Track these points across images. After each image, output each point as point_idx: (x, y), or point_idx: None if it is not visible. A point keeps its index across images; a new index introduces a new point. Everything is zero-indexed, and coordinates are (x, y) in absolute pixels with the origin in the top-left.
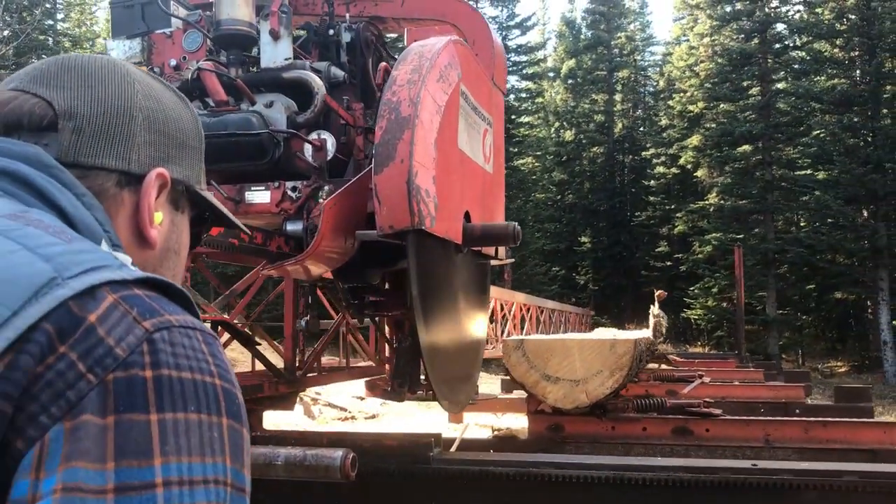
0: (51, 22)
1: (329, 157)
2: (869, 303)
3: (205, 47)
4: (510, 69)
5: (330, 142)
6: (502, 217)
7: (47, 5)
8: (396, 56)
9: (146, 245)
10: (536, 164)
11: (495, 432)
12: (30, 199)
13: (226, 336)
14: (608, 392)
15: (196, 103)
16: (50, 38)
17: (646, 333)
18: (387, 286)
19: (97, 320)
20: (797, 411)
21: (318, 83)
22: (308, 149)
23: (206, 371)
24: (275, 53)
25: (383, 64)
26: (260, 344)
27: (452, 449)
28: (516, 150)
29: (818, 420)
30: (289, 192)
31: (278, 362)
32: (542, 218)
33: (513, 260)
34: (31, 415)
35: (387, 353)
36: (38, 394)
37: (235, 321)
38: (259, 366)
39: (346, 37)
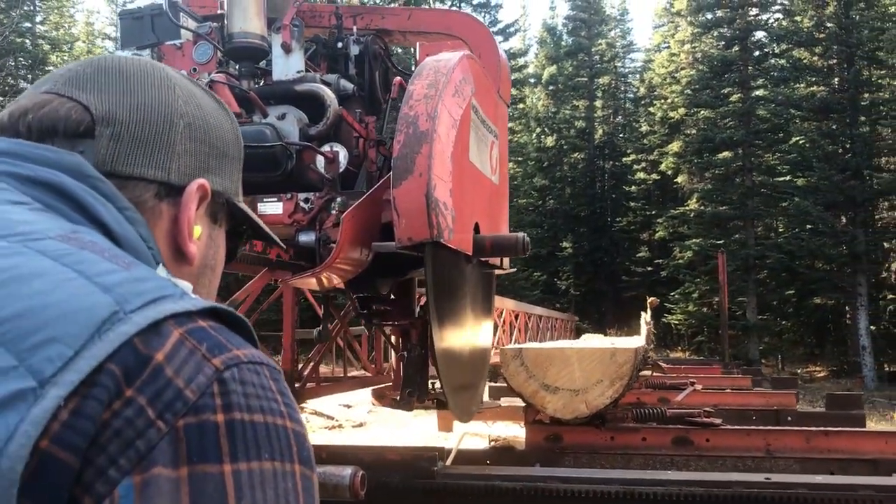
0: (29, 24)
1: (341, 170)
2: (847, 308)
3: (215, 59)
4: None
5: (342, 154)
6: (506, 226)
7: (26, 7)
8: (402, 68)
9: (184, 261)
10: (518, 169)
11: (492, 442)
12: (72, 215)
13: None
14: (608, 402)
15: None
16: (28, 41)
17: (641, 341)
18: (393, 296)
19: (165, 359)
20: (789, 419)
21: (330, 96)
22: (320, 161)
23: (277, 412)
24: (287, 66)
25: (398, 79)
26: None
27: (448, 461)
28: None
29: (820, 430)
30: (301, 204)
31: None
32: (524, 223)
33: (515, 269)
34: (99, 468)
35: (385, 363)
36: (106, 444)
37: None
38: None
39: (354, 49)
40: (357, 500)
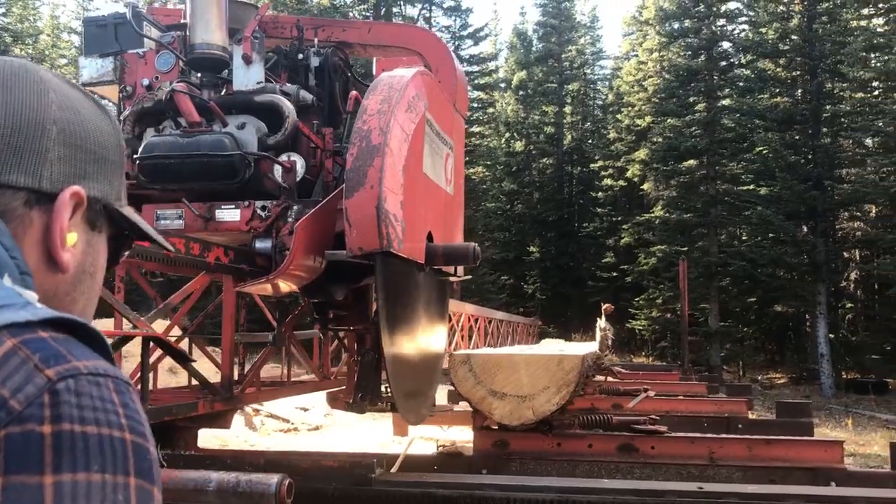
0: None
1: (298, 179)
2: (807, 316)
3: (177, 68)
4: None
5: (299, 164)
6: (461, 235)
7: None
8: (362, 80)
9: (57, 269)
10: (487, 173)
11: (440, 448)
12: None
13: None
14: (554, 408)
15: (169, 123)
16: None
17: (593, 347)
18: (349, 302)
19: None
20: (740, 426)
21: (288, 107)
22: (278, 170)
23: (116, 424)
24: (247, 77)
25: (354, 92)
26: (195, 360)
27: (395, 468)
28: (467, 158)
29: (761, 438)
30: (258, 212)
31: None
32: (492, 227)
33: (470, 276)
34: None
35: (334, 368)
36: None
37: (176, 334)
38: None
39: (314, 61)
40: None
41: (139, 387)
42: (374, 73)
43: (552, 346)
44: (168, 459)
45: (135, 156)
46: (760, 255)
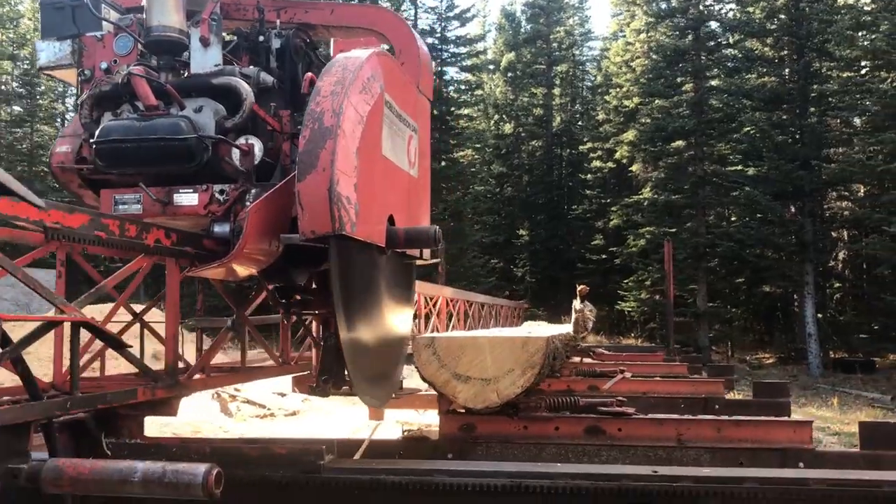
0: None
1: (256, 162)
2: (795, 296)
3: (136, 51)
4: (449, 60)
5: (257, 147)
6: (427, 218)
7: None
8: (326, 60)
9: None
10: (476, 156)
11: (405, 433)
12: None
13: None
14: (519, 391)
15: (126, 107)
16: None
17: (566, 329)
18: (314, 286)
19: None
20: (716, 407)
21: (246, 89)
22: (235, 153)
23: None
24: (204, 60)
25: (309, 74)
26: (131, 346)
27: (358, 454)
28: (455, 142)
29: (731, 419)
30: (216, 195)
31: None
32: (481, 210)
33: (438, 260)
34: None
35: (294, 353)
36: None
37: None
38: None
39: (275, 43)
40: (212, 499)
41: (69, 375)
42: (331, 54)
43: (520, 329)
44: (112, 448)
45: (91, 140)
46: (748, 235)
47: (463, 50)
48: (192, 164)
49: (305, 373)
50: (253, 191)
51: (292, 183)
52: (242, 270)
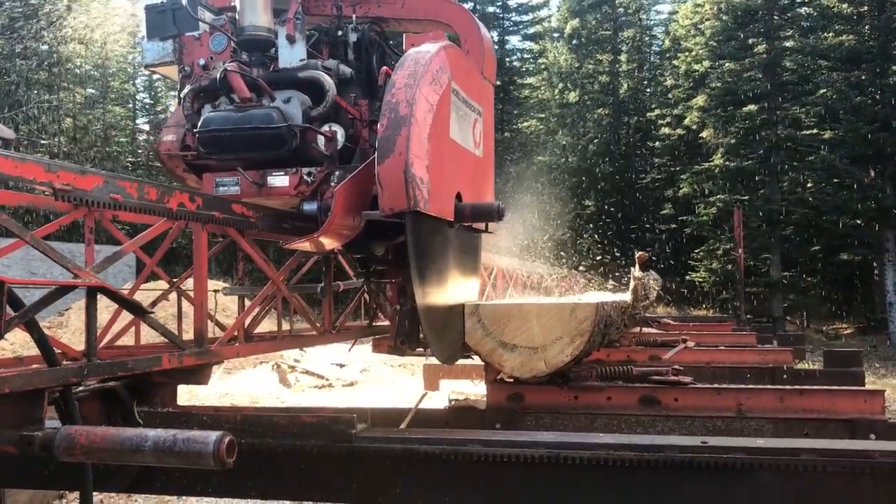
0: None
1: (339, 147)
2: (875, 264)
3: (229, 48)
4: (511, 29)
5: (340, 133)
6: (492, 194)
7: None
8: (398, 51)
9: None
10: (540, 126)
11: (451, 402)
12: None
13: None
14: (568, 360)
15: (223, 99)
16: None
17: (623, 297)
18: (390, 256)
19: None
20: (784, 377)
21: (328, 82)
22: (321, 139)
23: None
24: (291, 55)
25: (384, 68)
26: (153, 312)
27: (404, 424)
28: (518, 112)
29: (794, 388)
30: (305, 177)
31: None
32: (545, 181)
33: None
34: None
35: (339, 321)
36: None
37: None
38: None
39: (352, 36)
40: (224, 468)
41: (87, 339)
42: (404, 48)
43: (569, 297)
44: (143, 417)
45: (194, 130)
46: (824, 201)
47: (525, 18)
48: (282, 149)
49: (383, 336)
50: (337, 173)
51: (372, 165)
52: (330, 243)
